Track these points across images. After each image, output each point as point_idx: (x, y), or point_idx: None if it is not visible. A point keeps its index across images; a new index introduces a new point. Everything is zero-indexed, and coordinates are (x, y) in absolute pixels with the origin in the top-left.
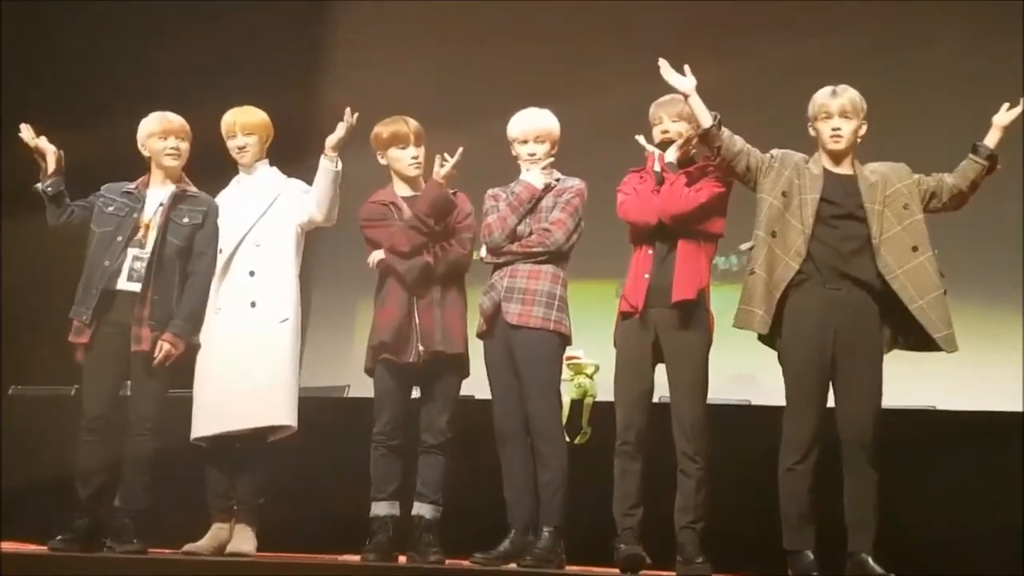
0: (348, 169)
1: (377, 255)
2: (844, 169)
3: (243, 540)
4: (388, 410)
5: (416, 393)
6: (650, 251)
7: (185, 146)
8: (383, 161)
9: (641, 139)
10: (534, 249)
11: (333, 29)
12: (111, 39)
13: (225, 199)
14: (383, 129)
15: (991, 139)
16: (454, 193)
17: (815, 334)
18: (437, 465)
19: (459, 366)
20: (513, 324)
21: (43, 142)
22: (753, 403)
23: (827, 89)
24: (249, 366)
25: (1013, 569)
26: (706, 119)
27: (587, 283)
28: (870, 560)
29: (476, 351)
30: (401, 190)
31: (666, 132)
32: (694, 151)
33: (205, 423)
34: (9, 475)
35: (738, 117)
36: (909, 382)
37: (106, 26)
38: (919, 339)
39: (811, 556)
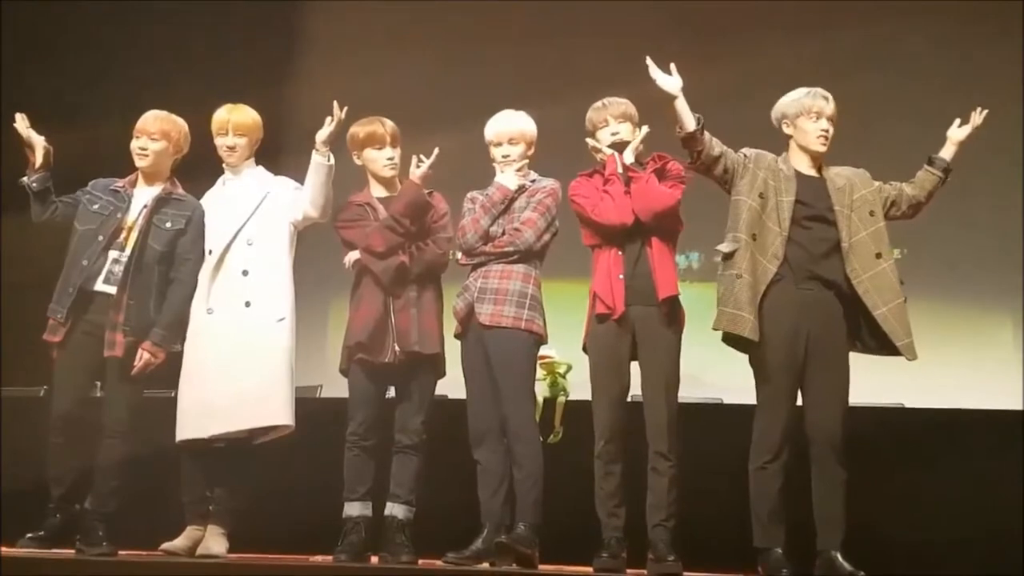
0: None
1: (353, 255)
2: (812, 171)
3: (215, 542)
4: (362, 410)
5: (391, 393)
6: (620, 252)
7: (157, 146)
8: (358, 162)
9: (596, 142)
10: (505, 249)
11: (310, 27)
12: (94, 39)
13: (212, 200)
14: (359, 130)
15: (947, 152)
16: (430, 193)
17: (789, 335)
18: (411, 465)
19: (435, 366)
20: (486, 324)
21: (34, 135)
22: (725, 402)
23: (813, 91)
24: (247, 366)
25: (988, 567)
26: (690, 122)
27: (559, 283)
28: (839, 557)
29: (450, 351)
30: (377, 191)
31: (616, 133)
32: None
33: (200, 424)
34: (5, 478)
35: (719, 117)
36: (879, 380)
37: (88, 25)
38: (875, 344)
39: (780, 553)
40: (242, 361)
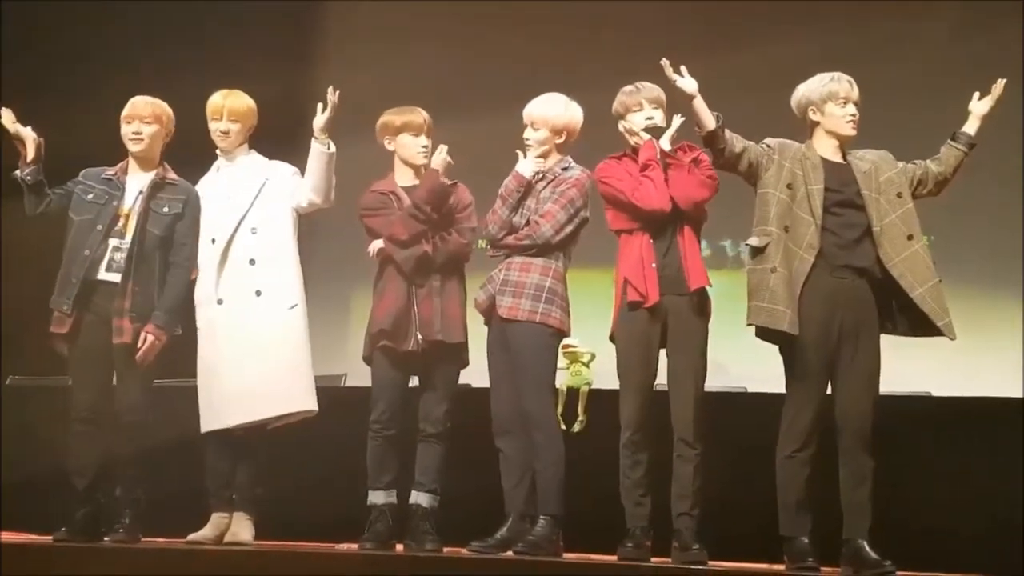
0: (344, 158)
1: (377, 244)
2: (838, 157)
3: (241, 529)
4: (385, 398)
5: (414, 382)
6: (651, 240)
7: (151, 130)
8: (390, 147)
9: (628, 125)
10: (523, 243)
11: (324, 18)
12: (99, 31)
13: (208, 186)
14: (395, 117)
15: (970, 127)
16: (453, 184)
17: (823, 324)
18: (435, 454)
19: (458, 355)
20: (504, 317)
21: (21, 128)
22: (749, 390)
23: (836, 75)
24: (264, 355)
25: (1010, 555)
26: (710, 121)
27: (581, 272)
28: (866, 546)
29: (474, 340)
30: (402, 179)
31: (651, 118)
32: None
33: (223, 415)
34: (8, 466)
35: (740, 109)
36: (901, 366)
37: (94, 17)
38: (908, 326)
39: (806, 542)
40: (259, 350)
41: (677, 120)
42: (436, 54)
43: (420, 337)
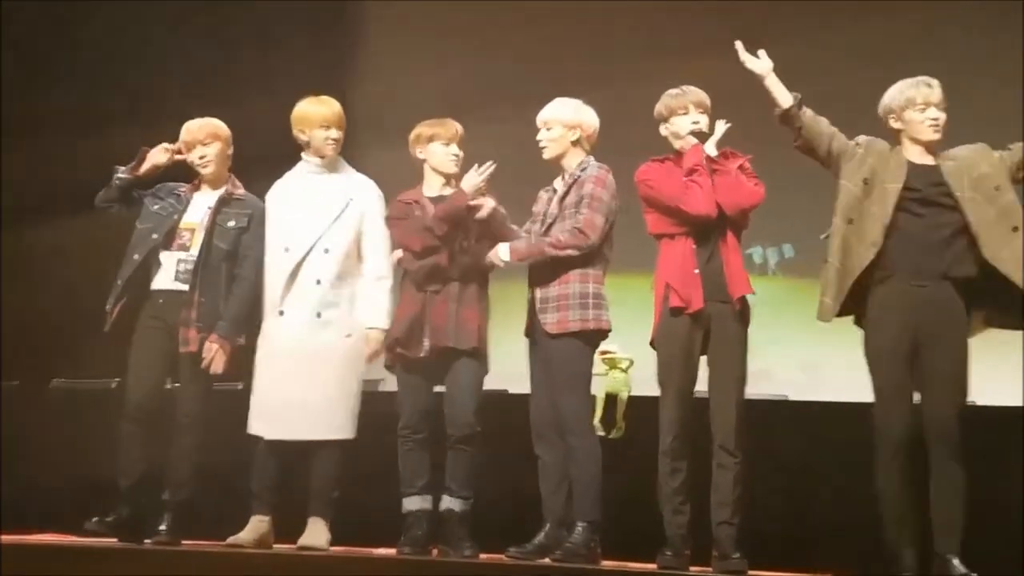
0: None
1: (397, 254)
2: (927, 159)
3: (316, 533)
4: (409, 404)
5: (441, 388)
6: (694, 245)
7: (213, 150)
8: (421, 156)
9: (673, 129)
10: (569, 252)
11: (363, 29)
12: (131, 46)
13: (293, 188)
14: (427, 128)
15: None
16: (477, 206)
17: (896, 333)
18: (464, 459)
19: (475, 361)
20: (553, 333)
21: (158, 154)
22: (790, 398)
23: (916, 80)
24: (313, 378)
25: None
26: (786, 99)
27: (619, 277)
28: (955, 560)
29: (508, 346)
30: (429, 189)
31: (696, 123)
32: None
33: (266, 425)
34: (52, 467)
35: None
36: None
37: (126, 32)
38: (1020, 319)
39: (909, 554)
40: (309, 372)
41: (722, 126)
42: (478, 57)
43: (427, 343)
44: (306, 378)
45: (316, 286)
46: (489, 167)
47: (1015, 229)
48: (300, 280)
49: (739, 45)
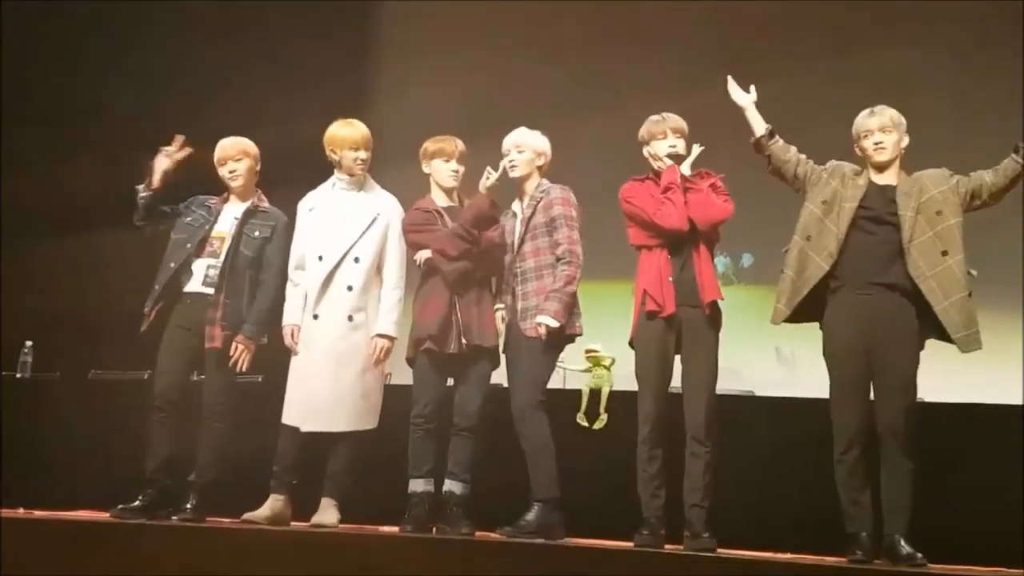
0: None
1: (423, 254)
2: (889, 180)
3: (326, 513)
4: (426, 395)
5: (451, 382)
6: (669, 256)
7: (242, 166)
8: (427, 170)
9: (652, 151)
10: (577, 277)
11: (380, 43)
12: (148, 53)
13: (325, 202)
14: (431, 144)
15: None
16: (496, 206)
17: (850, 340)
18: (467, 447)
19: (492, 358)
20: (531, 336)
21: (160, 160)
22: (757, 394)
23: (866, 110)
24: (345, 375)
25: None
26: (759, 128)
27: (603, 284)
28: (902, 541)
29: None
30: (439, 200)
31: (674, 147)
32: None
33: (302, 417)
34: (88, 451)
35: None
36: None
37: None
38: (941, 334)
39: (864, 536)
40: (341, 369)
41: (696, 149)
42: (496, 66)
43: (464, 341)
44: (339, 375)
45: (348, 292)
46: (501, 167)
47: (944, 254)
48: (334, 286)
49: (730, 79)
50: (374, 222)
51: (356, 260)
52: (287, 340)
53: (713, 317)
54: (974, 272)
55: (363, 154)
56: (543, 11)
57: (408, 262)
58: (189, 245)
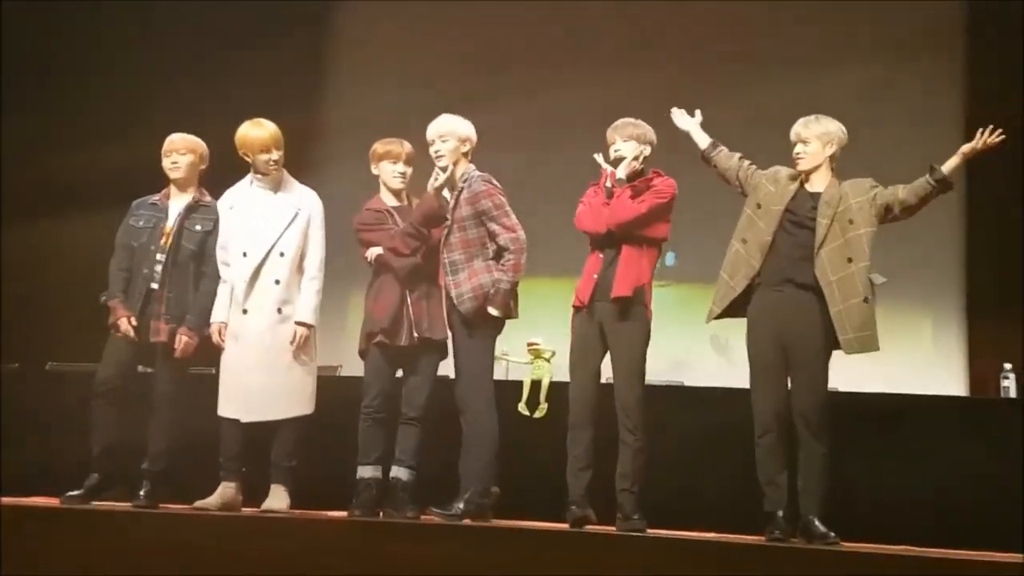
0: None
1: (374, 251)
2: (818, 187)
3: (276, 498)
4: (376, 386)
5: (399, 373)
6: (600, 255)
7: (186, 159)
8: (376, 172)
9: (598, 157)
10: (522, 263)
11: (336, 39)
12: (110, 51)
13: (242, 198)
14: (380, 146)
15: (948, 164)
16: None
17: (766, 332)
18: (414, 435)
19: (441, 350)
20: (470, 318)
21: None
22: (685, 384)
23: (800, 120)
24: (277, 364)
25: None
26: (702, 143)
27: (543, 280)
28: (816, 521)
29: None
30: (388, 200)
31: (617, 151)
32: (642, 167)
33: (235, 407)
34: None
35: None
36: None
37: (105, 39)
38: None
39: (780, 516)
40: (273, 359)
41: (634, 151)
42: (447, 67)
43: (415, 334)
44: (273, 366)
45: (276, 285)
46: (450, 170)
47: (849, 260)
48: (261, 281)
49: (674, 109)
50: (296, 217)
51: (281, 254)
52: (214, 338)
53: (633, 312)
54: (880, 279)
55: (275, 155)
56: (499, 12)
57: (346, 257)
58: (153, 247)
